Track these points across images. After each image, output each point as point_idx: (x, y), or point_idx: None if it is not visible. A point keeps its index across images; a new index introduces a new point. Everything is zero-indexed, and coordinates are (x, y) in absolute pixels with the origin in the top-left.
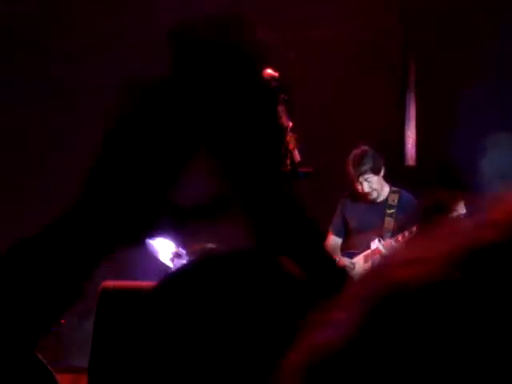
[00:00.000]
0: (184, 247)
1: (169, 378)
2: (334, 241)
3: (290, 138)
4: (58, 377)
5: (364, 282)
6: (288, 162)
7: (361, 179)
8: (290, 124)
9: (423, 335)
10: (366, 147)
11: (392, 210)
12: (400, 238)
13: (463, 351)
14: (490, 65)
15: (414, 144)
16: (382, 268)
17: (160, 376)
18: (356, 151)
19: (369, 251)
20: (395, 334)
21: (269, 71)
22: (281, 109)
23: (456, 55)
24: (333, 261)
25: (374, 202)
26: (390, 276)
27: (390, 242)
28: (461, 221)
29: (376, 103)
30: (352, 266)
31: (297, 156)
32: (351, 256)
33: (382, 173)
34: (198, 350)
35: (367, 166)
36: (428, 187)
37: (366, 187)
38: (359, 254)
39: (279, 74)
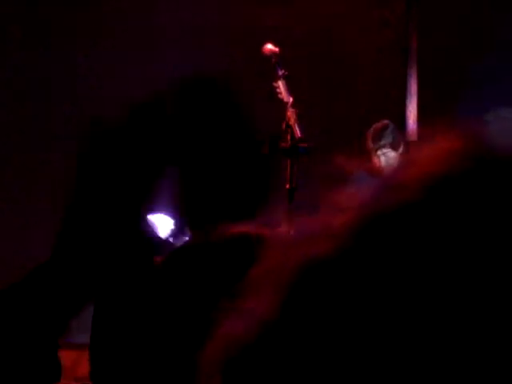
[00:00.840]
0: (185, 224)
1: (169, 354)
2: None
3: (291, 114)
4: (61, 353)
5: (272, 264)
6: (288, 137)
7: (379, 153)
8: (291, 99)
9: (340, 311)
10: (387, 121)
11: None
12: None
13: (371, 325)
14: (495, 39)
15: (415, 120)
16: (289, 248)
17: (160, 352)
18: (377, 125)
19: None
20: (315, 315)
21: (269, 46)
22: (281, 84)
23: (459, 29)
24: None
25: None
26: (298, 255)
27: None
28: (369, 187)
29: (377, 78)
30: None
31: (297, 131)
32: None
33: (400, 149)
34: (198, 329)
35: (387, 141)
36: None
37: (383, 162)
38: None
39: (279, 50)
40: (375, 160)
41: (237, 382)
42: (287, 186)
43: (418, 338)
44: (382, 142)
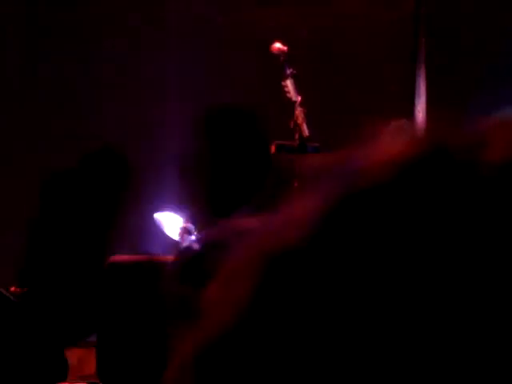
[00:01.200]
0: (193, 222)
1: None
2: None
3: (299, 113)
4: (67, 352)
5: (240, 258)
6: (296, 136)
7: None
8: (299, 98)
9: (312, 299)
10: (405, 120)
11: None
12: None
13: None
14: (506, 38)
15: (424, 119)
16: (256, 239)
17: (164, 348)
18: (395, 123)
19: None
20: (287, 307)
21: (278, 45)
22: (289, 83)
23: (469, 28)
24: None
25: None
26: (266, 247)
27: None
28: (329, 175)
29: (385, 78)
30: None
31: (305, 130)
32: None
33: None
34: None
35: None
36: None
37: None
38: None
39: (288, 49)
40: None
41: (212, 374)
42: (295, 184)
43: (392, 322)
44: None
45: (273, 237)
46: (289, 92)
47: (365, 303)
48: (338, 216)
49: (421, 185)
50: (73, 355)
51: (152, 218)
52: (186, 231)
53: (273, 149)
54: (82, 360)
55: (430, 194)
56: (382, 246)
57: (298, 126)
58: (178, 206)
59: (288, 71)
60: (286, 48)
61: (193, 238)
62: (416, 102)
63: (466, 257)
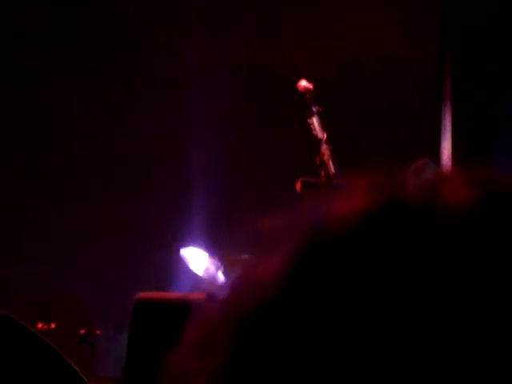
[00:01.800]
0: (218, 258)
1: None
2: None
3: (325, 150)
4: None
5: (209, 324)
6: (322, 173)
7: None
8: (325, 135)
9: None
10: (428, 160)
11: None
12: None
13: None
14: None
15: (450, 156)
16: (223, 304)
17: None
18: (419, 162)
19: None
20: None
21: (303, 83)
22: (315, 120)
23: (494, 65)
24: None
25: None
26: (232, 311)
27: None
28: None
29: (411, 115)
30: None
31: (331, 167)
32: None
33: None
34: None
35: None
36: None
37: None
38: None
39: (314, 87)
40: None
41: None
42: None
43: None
44: (424, 178)
45: (240, 299)
46: (314, 129)
47: (339, 356)
48: (303, 269)
49: (383, 235)
50: None
51: (178, 254)
52: (211, 267)
53: (298, 186)
54: None
55: (393, 243)
56: (352, 296)
57: (323, 163)
58: (204, 241)
59: (314, 108)
60: (311, 86)
61: (219, 274)
62: (442, 140)
63: (441, 301)
